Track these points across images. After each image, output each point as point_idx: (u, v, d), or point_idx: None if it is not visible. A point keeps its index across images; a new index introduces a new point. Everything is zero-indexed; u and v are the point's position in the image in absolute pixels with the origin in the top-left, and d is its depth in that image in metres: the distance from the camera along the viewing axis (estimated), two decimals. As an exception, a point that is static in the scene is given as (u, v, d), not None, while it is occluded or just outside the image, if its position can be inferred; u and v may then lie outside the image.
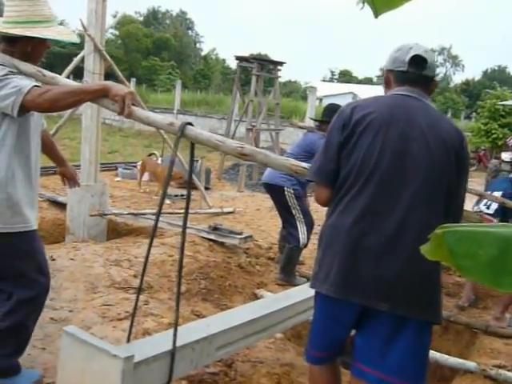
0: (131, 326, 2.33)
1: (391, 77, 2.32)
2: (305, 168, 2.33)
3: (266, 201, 8.76)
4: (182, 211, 6.56)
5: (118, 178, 10.23)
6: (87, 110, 5.82)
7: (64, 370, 2.17)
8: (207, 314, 4.11)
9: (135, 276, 4.35)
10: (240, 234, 5.67)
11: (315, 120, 5.23)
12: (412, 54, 2.22)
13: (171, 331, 2.58)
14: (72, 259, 4.45)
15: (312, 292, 3.12)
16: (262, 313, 3.03)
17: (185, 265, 4.66)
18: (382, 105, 2.20)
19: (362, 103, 2.26)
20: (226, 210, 8.07)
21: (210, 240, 5.64)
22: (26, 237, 2.54)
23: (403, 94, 2.22)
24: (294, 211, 5.28)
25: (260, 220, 8.07)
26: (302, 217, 5.27)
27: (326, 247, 2.15)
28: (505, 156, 13.90)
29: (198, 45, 72.07)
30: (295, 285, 5.25)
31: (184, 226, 2.34)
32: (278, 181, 5.25)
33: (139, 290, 2.35)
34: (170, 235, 5.64)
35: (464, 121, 33.13)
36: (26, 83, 2.30)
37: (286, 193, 5.24)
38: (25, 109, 2.30)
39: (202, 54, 66.49)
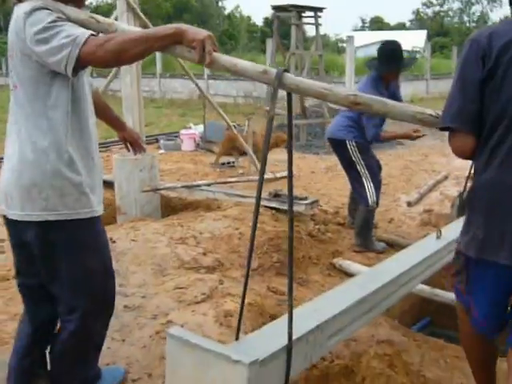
0: (240, 322, 2.09)
1: None
2: (431, 115, 1.98)
3: (319, 162, 8.48)
4: (236, 179, 6.38)
5: (161, 151, 10.02)
6: (126, 76, 5.54)
7: (173, 380, 1.95)
8: (283, 288, 3.90)
9: (204, 254, 4.16)
10: (305, 199, 5.40)
11: (374, 68, 4.88)
12: None
13: (278, 322, 2.36)
14: (133, 240, 4.27)
15: (416, 258, 2.88)
16: (369, 289, 2.75)
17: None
18: None
19: (497, 29, 1.95)
20: (278, 175, 7.79)
21: (272, 208, 5.39)
22: (92, 225, 2.24)
23: None
24: (358, 167, 5.04)
25: (317, 183, 7.80)
26: (367, 173, 5.03)
27: (489, 209, 1.88)
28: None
29: (219, 3, 70.88)
30: (374, 251, 5.01)
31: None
32: (340, 134, 5.05)
33: (247, 278, 2.08)
34: (229, 206, 5.41)
35: None
36: (81, 32, 1.93)
37: (348, 146, 5.02)
38: (81, 64, 1.94)
39: (226, 12, 65.37)
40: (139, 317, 3.15)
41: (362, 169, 5.03)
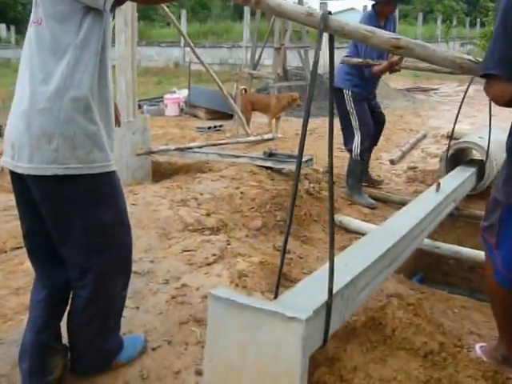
0: (278, 281, 1.83)
1: None
2: (471, 60, 1.82)
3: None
4: (226, 141, 6.07)
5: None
6: (121, 34, 5.11)
7: (216, 347, 1.69)
8: (289, 247, 3.64)
9: (208, 215, 3.88)
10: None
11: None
12: None
13: (312, 278, 2.13)
14: (134, 204, 3.96)
15: (423, 211, 2.72)
16: (390, 242, 2.55)
17: (255, 196, 4.20)
18: None
19: None
20: (266, 136, 7.50)
21: (268, 168, 5.11)
22: (108, 180, 1.94)
23: None
24: (351, 117, 4.85)
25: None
26: (357, 125, 4.84)
27: None
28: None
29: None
30: (360, 204, 4.84)
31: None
32: (338, 82, 4.79)
33: (285, 246, 1.84)
34: (224, 167, 5.10)
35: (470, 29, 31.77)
36: None
37: (344, 95, 4.80)
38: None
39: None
40: (150, 282, 2.87)
41: (354, 120, 4.85)
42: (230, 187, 4.40)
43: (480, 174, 4.70)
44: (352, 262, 2.22)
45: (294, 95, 7.59)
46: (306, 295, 1.91)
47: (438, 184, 3.77)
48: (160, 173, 5.94)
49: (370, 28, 1.80)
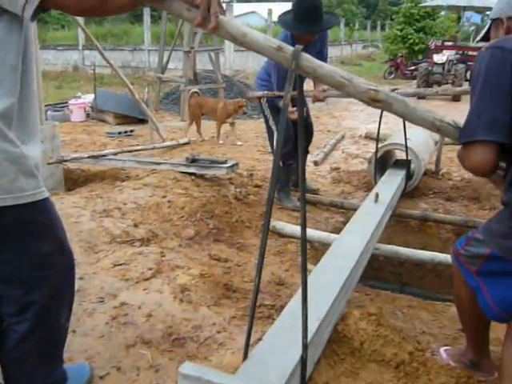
0: (248, 339, 1.72)
1: None
2: (450, 124, 1.77)
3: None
4: (142, 147, 5.85)
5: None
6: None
7: None
8: (225, 255, 3.56)
9: (135, 226, 3.67)
10: (224, 162, 5.01)
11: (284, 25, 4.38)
12: None
13: (280, 324, 2.08)
14: (52, 217, 3.66)
15: (369, 229, 2.72)
16: (347, 270, 2.61)
17: (183, 204, 4.04)
18: None
19: None
20: (181, 141, 7.33)
21: (191, 174, 4.95)
22: (41, 208, 1.71)
23: None
24: (270, 122, 4.82)
25: (221, 147, 7.42)
26: (277, 130, 4.71)
27: None
28: (437, 58, 13.77)
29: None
30: (287, 207, 4.84)
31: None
32: (256, 89, 4.82)
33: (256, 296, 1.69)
34: (145, 174, 4.88)
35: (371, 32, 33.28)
36: None
37: (262, 102, 4.74)
38: (46, 5, 1.44)
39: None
40: (83, 302, 2.64)
41: (272, 125, 4.80)
42: (155, 196, 4.20)
43: (408, 174, 4.84)
44: (314, 302, 2.12)
45: (241, 102, 7.47)
46: (278, 351, 1.85)
47: (377, 195, 3.83)
48: (72, 180, 5.60)
49: (347, 75, 1.64)
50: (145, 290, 2.76)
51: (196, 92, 8.20)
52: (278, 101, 4.59)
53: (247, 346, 1.79)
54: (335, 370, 2.16)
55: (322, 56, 4.50)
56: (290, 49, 1.57)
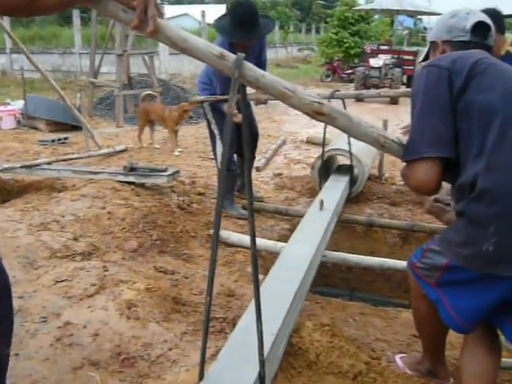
0: (203, 358, 1.67)
1: (448, 49, 1.98)
2: (394, 141, 1.79)
3: (154, 133, 7.95)
4: (78, 155, 5.70)
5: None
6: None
7: None
8: (172, 267, 3.50)
9: (75, 239, 3.55)
10: (164, 170, 4.94)
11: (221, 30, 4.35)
12: (474, 20, 1.96)
13: (234, 340, 2.05)
14: (-16, 232, 3.50)
15: (316, 238, 2.77)
16: (297, 282, 2.61)
17: (124, 215, 3.96)
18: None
19: (461, 54, 1.87)
20: (118, 148, 7.19)
21: (130, 183, 4.84)
22: None
23: None
24: (212, 126, 4.77)
25: (160, 154, 7.31)
26: (219, 136, 4.73)
27: (503, 218, 1.64)
28: (374, 62, 14.13)
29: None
30: (231, 215, 4.79)
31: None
32: (198, 92, 4.77)
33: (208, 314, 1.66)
34: (83, 184, 4.74)
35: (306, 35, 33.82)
36: None
37: (204, 105, 4.72)
38: None
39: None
40: (25, 322, 2.52)
41: (215, 129, 4.75)
42: (94, 207, 4.09)
43: (352, 180, 4.92)
44: (267, 316, 2.10)
45: (185, 106, 7.28)
46: (234, 369, 1.83)
47: (322, 202, 3.87)
48: (6, 191, 5.40)
49: (291, 86, 1.62)
50: (89, 307, 2.66)
51: (149, 94, 8.01)
52: (221, 104, 4.56)
53: (202, 364, 1.75)
54: (293, 383, 2.15)
55: (260, 61, 4.50)
56: (232, 57, 1.53)
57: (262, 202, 5.17)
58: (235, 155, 4.92)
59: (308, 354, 2.25)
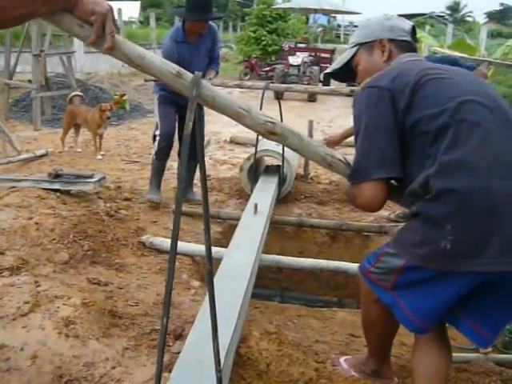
0: (160, 374, 1.62)
1: (393, 47, 2.09)
2: (341, 160, 1.86)
3: (74, 136, 7.71)
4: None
5: None
6: None
7: None
8: (105, 278, 3.43)
9: (1, 253, 3.37)
10: (90, 176, 4.81)
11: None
12: (409, 23, 2.13)
13: (185, 358, 2.02)
14: None
15: (254, 244, 2.90)
16: (241, 292, 2.60)
17: (53, 226, 3.83)
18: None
19: (399, 72, 1.91)
20: (38, 153, 6.91)
21: (55, 190, 4.67)
22: None
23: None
24: (157, 118, 5.08)
25: (82, 158, 7.10)
26: (159, 126, 5.02)
27: (460, 217, 1.68)
28: (293, 60, 14.35)
29: None
30: (148, 199, 5.05)
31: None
32: (153, 88, 5.16)
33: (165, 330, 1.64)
34: (5, 193, 4.51)
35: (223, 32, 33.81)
36: None
37: (154, 99, 5.12)
38: None
39: None
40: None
41: (157, 121, 5.06)
42: (20, 217, 3.91)
43: (280, 181, 4.99)
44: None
45: (103, 106, 7.04)
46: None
47: (256, 206, 3.89)
48: None
49: (245, 106, 1.64)
50: (24, 327, 2.54)
51: (78, 95, 7.69)
52: (171, 95, 4.73)
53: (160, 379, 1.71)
54: (244, 395, 2.16)
55: (214, 54, 4.96)
56: (189, 75, 1.52)
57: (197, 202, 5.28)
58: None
59: (258, 364, 2.26)
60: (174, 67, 1.53)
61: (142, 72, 1.58)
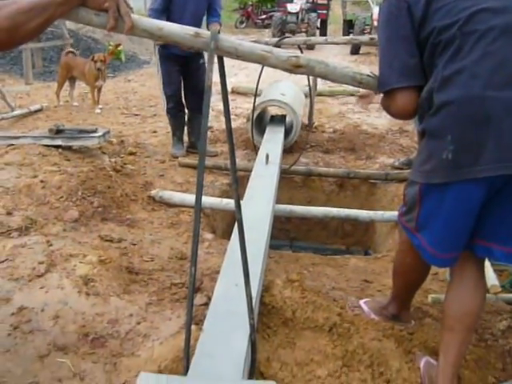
0: (188, 352, 1.59)
1: None
2: (369, 76, 1.88)
3: (74, 90, 7.55)
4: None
5: None
6: None
7: None
8: (117, 235, 3.39)
9: (9, 213, 3.32)
10: (94, 131, 4.71)
11: None
12: None
13: (213, 315, 1.99)
14: None
15: (270, 193, 2.76)
16: (263, 242, 2.59)
17: (60, 183, 3.76)
18: None
19: None
20: (33, 108, 6.78)
21: (57, 147, 4.59)
22: None
23: None
24: (161, 76, 4.99)
25: (80, 113, 6.98)
26: (162, 81, 4.99)
27: (460, 126, 1.73)
28: (291, 7, 14.05)
29: None
30: (172, 154, 5.05)
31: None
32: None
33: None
34: (4, 151, 4.42)
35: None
36: None
37: (156, 54, 4.98)
38: None
39: None
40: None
41: (161, 79, 4.98)
42: (23, 176, 3.84)
43: (286, 130, 4.92)
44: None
45: (97, 56, 6.82)
46: (223, 339, 1.81)
47: (267, 156, 3.83)
48: None
49: (267, 48, 1.71)
50: (42, 288, 2.52)
51: (71, 51, 7.47)
52: (173, 48, 4.61)
53: (188, 360, 1.69)
54: (271, 343, 2.16)
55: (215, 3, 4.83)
56: (206, 33, 1.61)
57: (216, 156, 5.21)
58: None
59: (283, 312, 2.26)
60: (191, 29, 1.62)
61: (163, 41, 1.76)
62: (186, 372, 1.61)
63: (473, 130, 1.66)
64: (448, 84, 1.70)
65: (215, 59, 1.64)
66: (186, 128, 5.30)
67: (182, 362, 1.71)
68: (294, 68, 1.75)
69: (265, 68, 3.73)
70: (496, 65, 1.66)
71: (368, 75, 1.89)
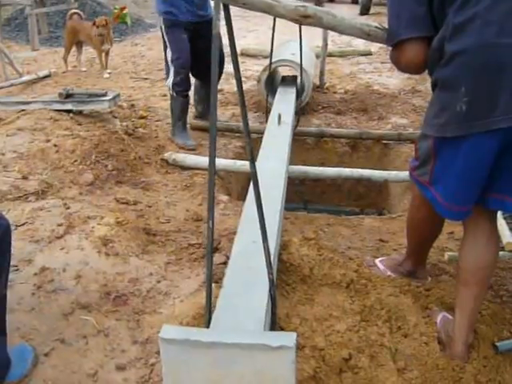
0: (209, 305, 1.62)
1: None
2: (378, 27, 1.86)
3: (76, 55, 7.50)
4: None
5: None
6: None
7: None
8: (133, 198, 3.43)
9: (25, 178, 3.37)
10: (104, 94, 4.70)
11: None
12: None
13: (232, 271, 2.01)
14: None
15: (283, 153, 2.82)
16: (279, 197, 2.61)
17: (73, 147, 3.80)
18: None
19: None
20: (41, 74, 6.76)
21: (68, 111, 4.59)
22: None
23: None
24: (167, 47, 4.51)
25: (88, 78, 6.95)
26: (170, 55, 4.50)
27: (474, 76, 1.69)
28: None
29: None
30: (177, 144, 4.59)
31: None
32: (156, 8, 4.56)
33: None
34: (15, 116, 4.44)
35: None
36: None
37: (160, 23, 4.54)
38: None
39: None
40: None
41: (168, 50, 4.51)
42: (36, 141, 3.87)
43: (298, 91, 4.88)
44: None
45: (98, 21, 6.73)
46: (243, 293, 1.85)
47: (279, 116, 3.82)
48: None
49: None
50: (62, 249, 2.58)
51: (76, 13, 7.37)
52: (180, 16, 4.37)
53: (210, 315, 1.73)
54: (290, 299, 2.20)
55: None
56: None
57: (227, 122, 5.08)
58: (193, 78, 4.79)
59: (301, 269, 2.30)
60: None
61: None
62: (207, 325, 1.66)
63: (486, 79, 1.64)
64: (460, 32, 1.66)
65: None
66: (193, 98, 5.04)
67: (203, 319, 1.74)
68: (302, 18, 1.73)
69: (275, 32, 3.72)
70: (509, 10, 1.61)
71: (376, 27, 1.87)
